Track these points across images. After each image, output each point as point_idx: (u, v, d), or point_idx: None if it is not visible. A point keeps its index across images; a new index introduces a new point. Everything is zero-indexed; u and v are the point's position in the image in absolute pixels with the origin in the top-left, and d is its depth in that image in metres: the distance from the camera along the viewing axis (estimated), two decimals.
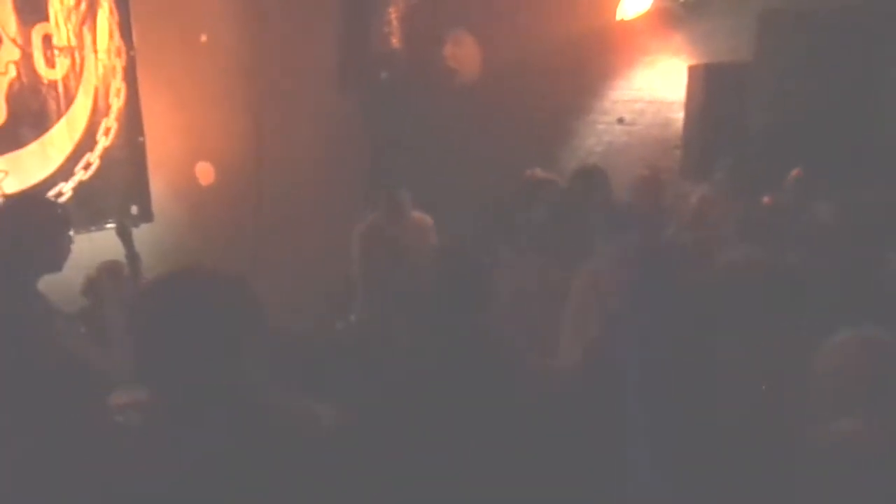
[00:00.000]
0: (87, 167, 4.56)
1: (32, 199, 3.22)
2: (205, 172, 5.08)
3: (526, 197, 3.63)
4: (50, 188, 4.37)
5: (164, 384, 1.66)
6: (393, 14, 5.66)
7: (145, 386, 1.81)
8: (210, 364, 1.63)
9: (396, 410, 2.17)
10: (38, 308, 2.36)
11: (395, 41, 5.66)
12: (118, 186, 4.68)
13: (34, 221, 2.40)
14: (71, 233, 2.54)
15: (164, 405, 1.70)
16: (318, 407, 1.88)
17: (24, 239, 2.35)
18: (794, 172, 3.97)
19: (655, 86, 5.43)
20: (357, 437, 2.02)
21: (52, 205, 3.16)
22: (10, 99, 4.12)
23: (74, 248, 2.72)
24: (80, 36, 4.42)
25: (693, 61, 5.10)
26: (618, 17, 5.31)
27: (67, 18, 4.34)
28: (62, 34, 4.33)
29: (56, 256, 2.43)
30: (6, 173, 4.16)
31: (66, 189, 4.46)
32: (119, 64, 4.63)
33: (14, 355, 2.19)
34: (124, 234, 3.43)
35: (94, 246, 3.97)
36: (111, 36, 4.58)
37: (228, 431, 1.62)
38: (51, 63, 4.30)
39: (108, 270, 3.33)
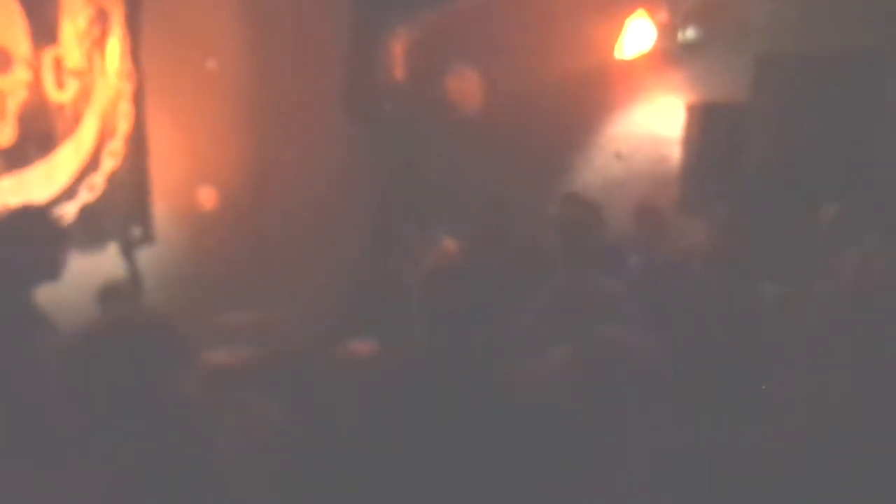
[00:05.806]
0: (91, 188, 4.58)
1: (28, 210, 3.25)
2: (207, 197, 5.12)
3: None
4: (54, 208, 4.38)
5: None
6: (397, 47, 5.75)
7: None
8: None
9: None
10: (34, 318, 2.42)
11: (398, 73, 5.75)
12: (121, 208, 4.70)
13: (32, 230, 2.48)
14: (67, 242, 2.60)
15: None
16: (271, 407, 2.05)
17: (23, 248, 2.42)
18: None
19: (653, 122, 5.55)
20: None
21: (47, 214, 3.17)
22: (20, 120, 4.15)
23: (77, 268, 2.77)
24: (90, 59, 4.46)
25: (691, 100, 5.23)
26: (618, 56, 5.44)
27: (79, 42, 4.39)
28: (73, 57, 4.37)
29: (54, 266, 2.48)
30: (13, 193, 4.18)
31: (71, 209, 4.47)
32: (128, 88, 4.68)
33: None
34: (128, 254, 3.49)
35: (97, 266, 4.00)
36: (121, 60, 4.63)
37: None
38: (61, 85, 4.34)
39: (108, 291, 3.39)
